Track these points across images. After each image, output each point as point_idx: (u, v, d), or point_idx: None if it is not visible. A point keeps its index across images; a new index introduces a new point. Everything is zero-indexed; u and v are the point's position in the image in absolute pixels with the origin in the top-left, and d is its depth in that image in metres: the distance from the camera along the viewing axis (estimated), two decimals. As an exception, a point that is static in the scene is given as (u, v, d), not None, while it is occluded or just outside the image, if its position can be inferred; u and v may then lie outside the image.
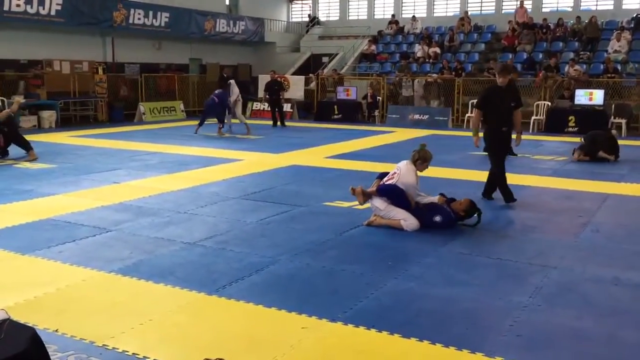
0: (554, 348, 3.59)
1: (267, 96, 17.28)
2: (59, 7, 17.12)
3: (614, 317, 4.08)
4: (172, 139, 14.02)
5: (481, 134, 7.53)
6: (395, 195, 6.17)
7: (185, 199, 7.52)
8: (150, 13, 19.90)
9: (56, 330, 3.72)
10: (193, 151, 11.92)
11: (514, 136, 7.58)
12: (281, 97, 17.55)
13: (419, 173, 6.38)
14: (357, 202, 6.58)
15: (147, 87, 19.85)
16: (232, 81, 15.81)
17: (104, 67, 19.42)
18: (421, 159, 6.33)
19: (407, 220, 6.11)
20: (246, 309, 4.13)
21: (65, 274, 4.79)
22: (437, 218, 6.13)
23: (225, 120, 15.01)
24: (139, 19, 19.53)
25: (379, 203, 6.24)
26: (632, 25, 20.57)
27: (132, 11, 19.25)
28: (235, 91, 15.58)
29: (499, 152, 7.38)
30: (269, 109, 18.03)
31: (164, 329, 3.83)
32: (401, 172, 6.25)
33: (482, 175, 9.32)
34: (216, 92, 15.10)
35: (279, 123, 17.27)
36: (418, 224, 6.10)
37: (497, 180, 7.41)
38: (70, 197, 7.56)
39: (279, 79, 18.31)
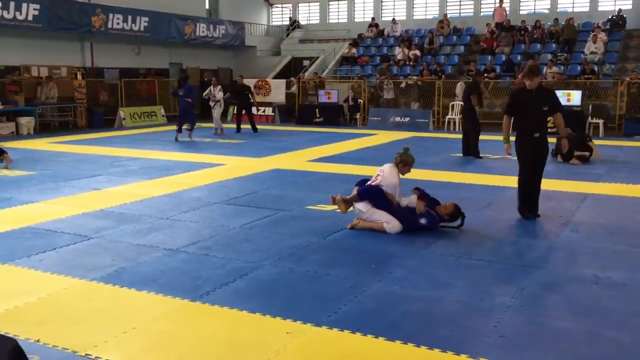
0: (536, 348, 3.63)
1: (236, 101, 17.12)
2: (37, 13, 16.94)
3: (594, 316, 4.14)
4: (153, 144, 13.93)
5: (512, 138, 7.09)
6: (375, 196, 6.19)
7: (167, 205, 7.47)
8: (130, 18, 19.77)
9: (38, 340, 3.68)
10: (175, 156, 11.85)
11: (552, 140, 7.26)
12: (252, 101, 17.11)
13: (401, 176, 6.42)
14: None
15: (127, 92, 19.70)
16: (219, 86, 16.04)
17: (83, 72, 19.26)
18: (403, 162, 6.38)
19: (390, 223, 6.14)
20: (230, 315, 4.12)
21: (47, 282, 4.73)
22: (423, 220, 6.16)
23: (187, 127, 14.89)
24: (117, 23, 19.39)
25: (361, 206, 6.27)
26: (608, 27, 20.90)
27: (110, 16, 19.10)
28: (218, 95, 15.72)
29: (524, 158, 6.82)
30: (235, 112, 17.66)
31: (148, 336, 3.80)
32: (384, 174, 6.30)
33: (463, 177, 9.43)
34: (183, 92, 14.68)
35: (242, 128, 16.82)
36: (401, 227, 6.13)
37: (520, 188, 6.88)
38: (50, 205, 7.47)
39: (247, 84, 17.89)
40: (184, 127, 14.57)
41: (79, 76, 18.90)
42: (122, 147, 13.32)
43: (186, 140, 14.43)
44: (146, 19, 20.33)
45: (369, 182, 6.43)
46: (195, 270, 5.03)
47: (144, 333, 3.85)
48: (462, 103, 13.07)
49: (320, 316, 4.05)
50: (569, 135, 11.13)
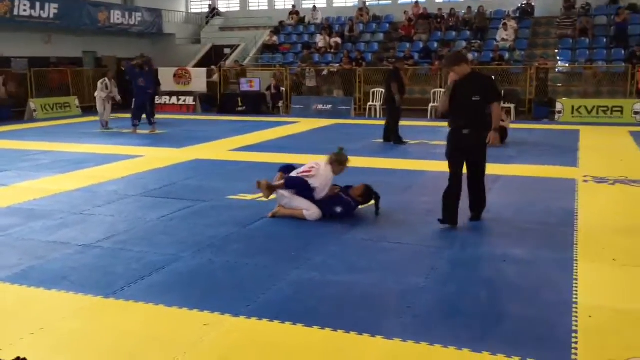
0: (448, 326, 3.75)
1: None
2: None
3: (503, 292, 4.33)
4: (67, 136, 13.35)
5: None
6: (301, 188, 6.19)
7: (80, 199, 7.19)
8: (37, 4, 18.81)
9: None
10: (90, 149, 11.41)
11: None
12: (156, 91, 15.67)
13: (334, 175, 6.38)
14: (261, 195, 6.55)
15: (37, 83, 18.73)
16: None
17: (-12, 62, 18.17)
18: (337, 161, 6.34)
19: (310, 210, 6.17)
20: (146, 310, 4.02)
21: (-54, 286, 4.45)
22: (338, 209, 6.22)
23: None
24: (24, 10, 18.41)
25: (285, 192, 6.26)
26: (518, 15, 21.80)
27: (16, 2, 18.13)
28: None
29: (451, 158, 5.90)
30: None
31: (57, 336, 3.65)
32: (319, 170, 6.27)
33: (385, 162, 9.62)
34: (140, 79, 13.91)
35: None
36: (320, 214, 6.17)
37: (444, 194, 5.90)
38: (-49, 203, 7.02)
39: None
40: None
41: (-17, 66, 17.83)
42: (32, 140, 12.68)
43: (125, 131, 13.97)
44: (56, 5, 19.40)
45: (297, 171, 6.40)
46: (110, 265, 4.87)
47: (53, 333, 3.69)
48: (382, 90, 13.30)
49: (238, 306, 4.02)
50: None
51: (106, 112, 14.75)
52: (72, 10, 20.04)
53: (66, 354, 3.45)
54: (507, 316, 3.91)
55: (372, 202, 6.43)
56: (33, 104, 17.88)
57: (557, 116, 16.22)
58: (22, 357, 2.81)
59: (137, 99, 14.11)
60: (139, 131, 13.97)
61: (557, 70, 18.77)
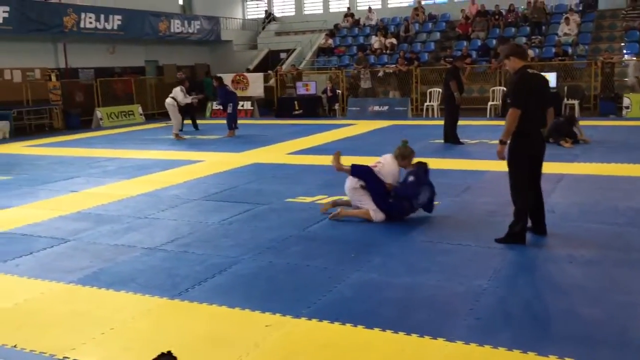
0: (512, 328, 3.68)
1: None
2: (6, 15, 16.71)
3: (569, 294, 4.20)
4: (131, 143, 13.82)
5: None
6: (367, 176, 6.17)
7: (145, 204, 7.44)
8: (102, 16, 19.55)
9: (15, 346, 3.65)
10: (153, 155, 11.78)
11: None
12: (193, 101, 15.29)
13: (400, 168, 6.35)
14: (320, 197, 6.60)
15: (103, 92, 19.50)
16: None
17: (57, 73, 19.03)
18: (401, 155, 6.30)
19: (377, 211, 6.14)
20: (209, 311, 4.12)
21: (23, 287, 4.69)
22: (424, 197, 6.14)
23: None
24: (90, 22, 19.18)
25: (353, 182, 6.26)
26: (581, 8, 21.08)
27: (82, 15, 18.89)
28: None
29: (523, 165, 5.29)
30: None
31: (126, 336, 3.79)
32: (385, 162, 6.30)
33: (444, 163, 9.49)
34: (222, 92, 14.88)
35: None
36: (384, 217, 6.13)
37: (521, 207, 5.28)
38: (26, 209, 7.40)
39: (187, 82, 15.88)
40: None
41: (53, 78, 18.66)
42: (99, 147, 13.20)
43: (187, 137, 14.35)
44: (119, 17, 20.13)
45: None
46: (174, 267, 5.02)
47: (123, 333, 3.84)
48: (440, 90, 13.12)
49: (299, 308, 4.06)
50: (558, 123, 11.19)
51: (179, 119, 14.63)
52: (135, 21, 20.75)
53: (135, 352, 3.58)
54: (574, 318, 3.80)
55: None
56: (99, 112, 18.60)
57: (624, 112, 15.59)
58: (166, 351, 2.86)
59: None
60: (194, 137, 14.28)
61: (622, 64, 18.04)
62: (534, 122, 5.16)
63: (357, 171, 6.25)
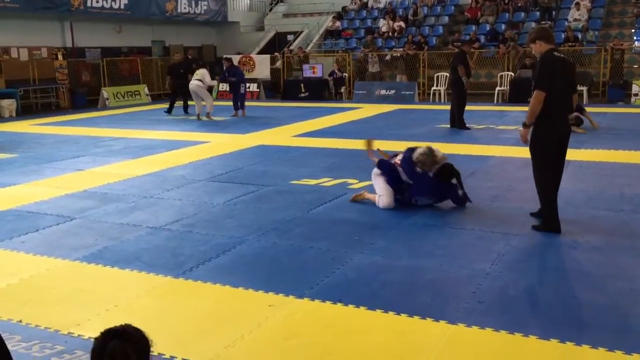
0: (514, 312, 3.69)
1: (171, 81, 15.53)
2: (13, -7, 16.63)
3: (572, 280, 4.20)
4: (137, 123, 13.83)
5: None
6: (389, 172, 6.12)
7: (150, 184, 7.46)
8: (109, -5, 19.43)
9: (20, 321, 3.69)
10: (159, 135, 11.78)
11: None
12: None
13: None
14: (324, 180, 6.60)
15: (109, 72, 19.45)
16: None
17: (64, 52, 18.97)
18: (421, 162, 6.00)
19: (382, 197, 6.10)
20: (213, 290, 4.15)
21: (29, 264, 4.73)
22: (460, 192, 6.10)
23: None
24: (97, 2, 19.06)
25: (375, 169, 6.26)
26: (592, -6, 20.81)
27: (89, -6, 18.77)
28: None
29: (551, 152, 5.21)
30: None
31: (130, 313, 3.83)
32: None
33: (450, 148, 9.45)
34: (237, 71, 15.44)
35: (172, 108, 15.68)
36: (391, 204, 6.05)
37: (547, 195, 5.25)
38: (32, 187, 7.43)
39: (184, 62, 16.04)
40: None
41: (60, 57, 18.63)
42: (105, 127, 13.21)
43: (192, 118, 14.33)
44: (126, -4, 20.01)
45: (392, 159, 6.31)
46: (179, 247, 5.05)
47: (127, 310, 3.87)
48: (447, 74, 13.05)
49: (302, 288, 4.09)
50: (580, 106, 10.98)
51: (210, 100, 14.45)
52: (141, 0, 20.63)
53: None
54: (577, 304, 3.80)
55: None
56: (105, 92, 18.59)
57: (633, 99, 15.47)
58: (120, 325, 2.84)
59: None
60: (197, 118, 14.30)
61: (632, 51, 17.85)
62: (559, 105, 5.03)
63: (381, 165, 6.23)
